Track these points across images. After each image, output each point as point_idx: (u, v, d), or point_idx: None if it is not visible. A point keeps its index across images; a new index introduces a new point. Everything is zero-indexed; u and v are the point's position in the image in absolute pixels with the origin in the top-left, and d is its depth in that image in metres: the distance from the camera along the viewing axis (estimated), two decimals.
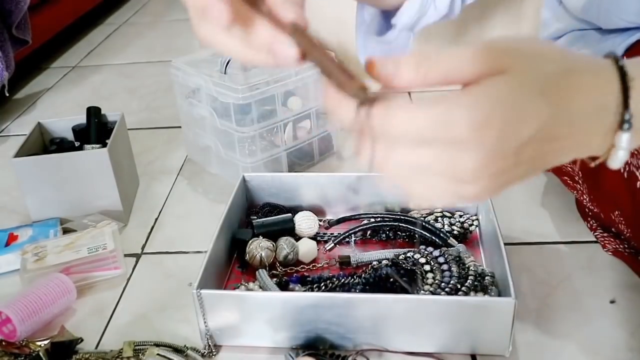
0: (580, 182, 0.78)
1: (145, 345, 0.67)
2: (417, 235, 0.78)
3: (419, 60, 0.32)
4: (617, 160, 0.35)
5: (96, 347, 0.69)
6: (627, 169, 0.66)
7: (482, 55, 0.32)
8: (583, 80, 0.33)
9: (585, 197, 0.78)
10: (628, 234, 0.74)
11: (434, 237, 0.78)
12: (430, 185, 0.33)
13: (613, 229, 0.77)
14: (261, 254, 0.76)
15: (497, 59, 0.32)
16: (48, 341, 0.67)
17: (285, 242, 0.78)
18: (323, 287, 0.72)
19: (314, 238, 0.82)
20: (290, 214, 0.83)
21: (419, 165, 0.33)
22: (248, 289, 0.72)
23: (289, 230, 0.81)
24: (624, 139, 0.34)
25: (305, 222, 0.82)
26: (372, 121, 0.32)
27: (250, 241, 0.78)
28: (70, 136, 0.99)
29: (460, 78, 0.32)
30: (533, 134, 0.32)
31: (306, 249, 0.79)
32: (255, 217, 0.84)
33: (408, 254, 0.74)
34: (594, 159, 0.36)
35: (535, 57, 0.33)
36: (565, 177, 0.85)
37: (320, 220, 0.85)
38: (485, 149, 0.31)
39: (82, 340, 0.69)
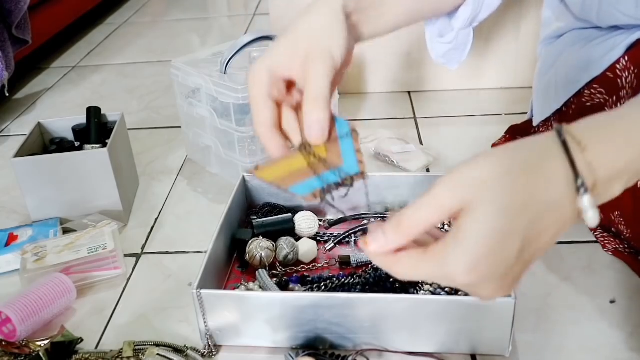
0: None
1: (145, 345, 0.67)
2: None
3: (396, 223, 0.39)
4: (592, 221, 0.38)
5: (96, 347, 0.69)
6: None
7: (446, 200, 0.38)
8: (535, 177, 0.37)
9: None
10: (628, 235, 0.74)
11: None
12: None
13: (613, 229, 0.77)
14: (261, 254, 0.76)
15: (458, 199, 0.37)
16: (48, 341, 0.67)
17: (285, 242, 0.78)
18: (323, 287, 0.72)
19: (314, 238, 0.82)
20: (290, 214, 0.83)
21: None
22: (248, 289, 0.71)
23: (289, 230, 0.81)
24: (586, 201, 0.37)
25: (305, 222, 0.82)
26: (377, 260, 0.41)
27: (250, 241, 0.78)
28: (70, 136, 0.99)
29: (435, 223, 0.39)
30: (520, 246, 0.37)
31: (306, 248, 0.79)
32: (255, 217, 0.84)
33: None
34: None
35: (485, 183, 0.37)
36: None
37: (320, 220, 0.85)
38: (485, 280, 0.38)
39: (82, 340, 0.69)
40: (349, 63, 0.56)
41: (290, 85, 0.52)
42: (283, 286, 0.72)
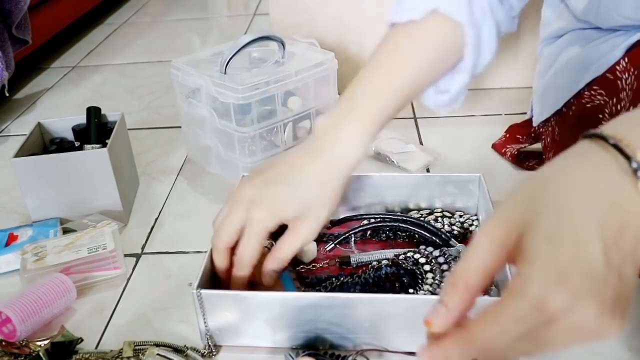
0: None
1: (145, 345, 0.67)
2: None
3: (452, 289, 0.34)
4: None
5: (96, 347, 0.69)
6: None
7: (495, 245, 0.33)
8: (584, 172, 0.34)
9: None
10: None
11: (434, 237, 0.78)
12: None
13: None
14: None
15: (508, 237, 0.33)
16: (48, 341, 0.67)
17: None
18: (323, 288, 0.72)
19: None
20: None
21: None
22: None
23: None
24: None
25: None
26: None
27: None
28: (70, 136, 0.99)
29: (493, 270, 0.34)
30: (602, 246, 0.32)
31: (305, 248, 0.79)
32: None
33: (408, 254, 0.74)
34: None
35: (532, 198, 0.34)
36: None
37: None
38: (581, 295, 0.31)
39: (82, 340, 0.69)
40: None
41: None
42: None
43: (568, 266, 0.31)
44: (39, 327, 0.71)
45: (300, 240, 0.66)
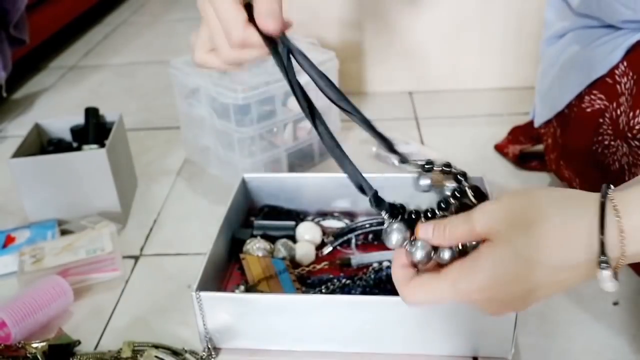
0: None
1: (145, 346, 0.67)
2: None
3: (443, 226, 0.44)
4: (609, 289, 0.40)
5: (94, 350, 0.69)
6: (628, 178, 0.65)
7: (477, 225, 0.42)
8: (561, 237, 0.39)
9: None
10: None
11: None
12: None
13: None
14: (257, 255, 0.76)
15: (488, 229, 0.41)
16: (45, 343, 0.66)
17: (282, 245, 0.78)
18: (323, 290, 0.72)
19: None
20: (293, 222, 0.82)
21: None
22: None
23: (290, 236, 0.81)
24: (605, 275, 0.39)
25: (308, 234, 0.81)
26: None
27: (248, 241, 0.77)
28: (68, 137, 0.98)
29: (466, 240, 0.43)
30: (527, 291, 0.41)
31: (303, 252, 0.78)
32: (254, 218, 0.83)
33: None
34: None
35: (513, 226, 0.40)
36: (565, 182, 0.85)
37: (324, 234, 0.82)
38: (492, 301, 0.42)
39: (79, 342, 0.68)
40: None
41: None
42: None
43: (495, 285, 0.41)
44: (35, 329, 0.70)
45: None
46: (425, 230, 0.44)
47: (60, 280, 0.73)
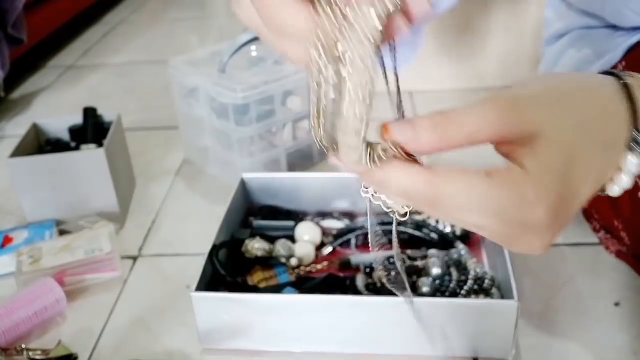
0: None
1: None
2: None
3: (436, 121, 0.30)
4: (617, 189, 0.35)
5: (93, 351, 0.68)
6: None
7: (505, 112, 0.30)
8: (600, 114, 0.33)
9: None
10: (628, 241, 0.73)
11: (436, 238, 0.77)
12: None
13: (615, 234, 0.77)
14: (256, 256, 0.75)
15: (522, 116, 0.30)
16: (44, 357, 0.65)
17: (281, 246, 0.78)
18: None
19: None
20: (292, 222, 0.82)
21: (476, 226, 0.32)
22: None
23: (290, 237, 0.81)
24: (630, 163, 0.33)
25: (308, 234, 0.81)
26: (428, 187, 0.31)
27: (247, 241, 0.77)
28: (66, 137, 0.98)
29: (484, 138, 0.31)
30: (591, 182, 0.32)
31: (303, 252, 0.78)
32: (254, 219, 0.83)
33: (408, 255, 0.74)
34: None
35: (559, 106, 0.32)
36: None
37: (324, 235, 0.82)
38: (560, 218, 0.32)
39: (77, 358, 0.67)
40: None
41: None
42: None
43: (562, 198, 0.31)
44: (21, 329, 0.69)
45: None
46: (400, 128, 0.30)
47: (47, 280, 0.73)
